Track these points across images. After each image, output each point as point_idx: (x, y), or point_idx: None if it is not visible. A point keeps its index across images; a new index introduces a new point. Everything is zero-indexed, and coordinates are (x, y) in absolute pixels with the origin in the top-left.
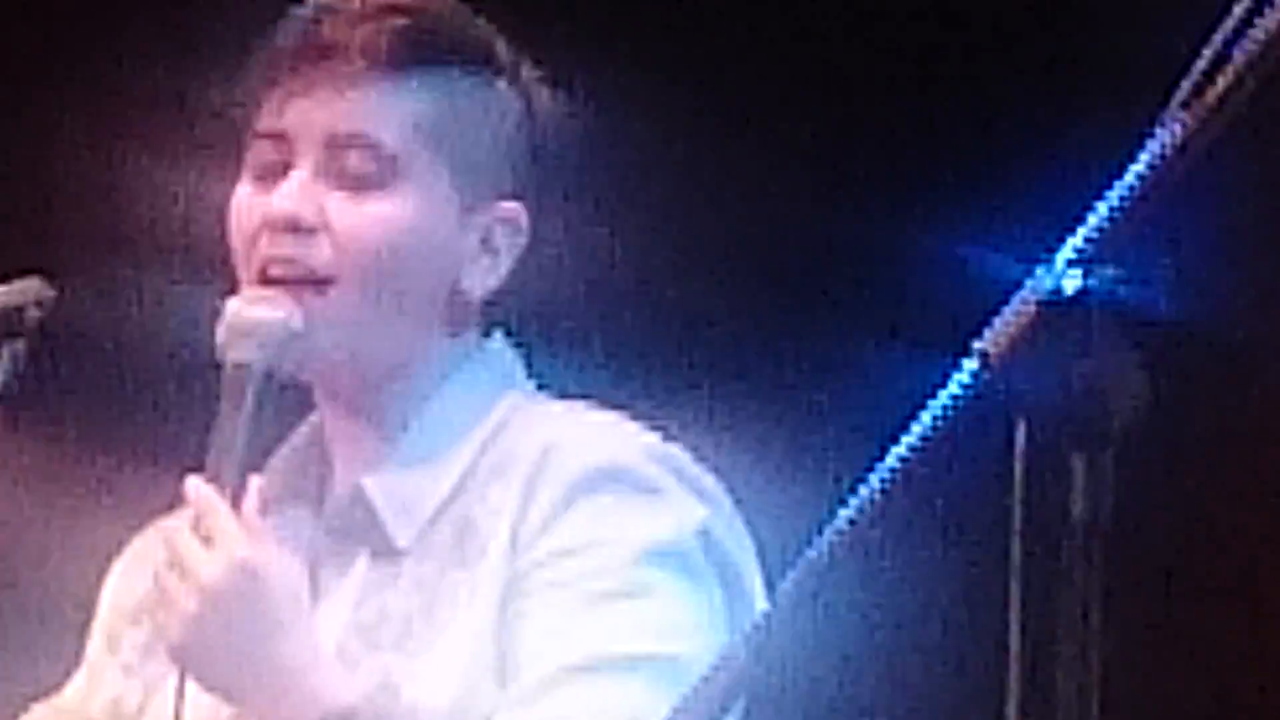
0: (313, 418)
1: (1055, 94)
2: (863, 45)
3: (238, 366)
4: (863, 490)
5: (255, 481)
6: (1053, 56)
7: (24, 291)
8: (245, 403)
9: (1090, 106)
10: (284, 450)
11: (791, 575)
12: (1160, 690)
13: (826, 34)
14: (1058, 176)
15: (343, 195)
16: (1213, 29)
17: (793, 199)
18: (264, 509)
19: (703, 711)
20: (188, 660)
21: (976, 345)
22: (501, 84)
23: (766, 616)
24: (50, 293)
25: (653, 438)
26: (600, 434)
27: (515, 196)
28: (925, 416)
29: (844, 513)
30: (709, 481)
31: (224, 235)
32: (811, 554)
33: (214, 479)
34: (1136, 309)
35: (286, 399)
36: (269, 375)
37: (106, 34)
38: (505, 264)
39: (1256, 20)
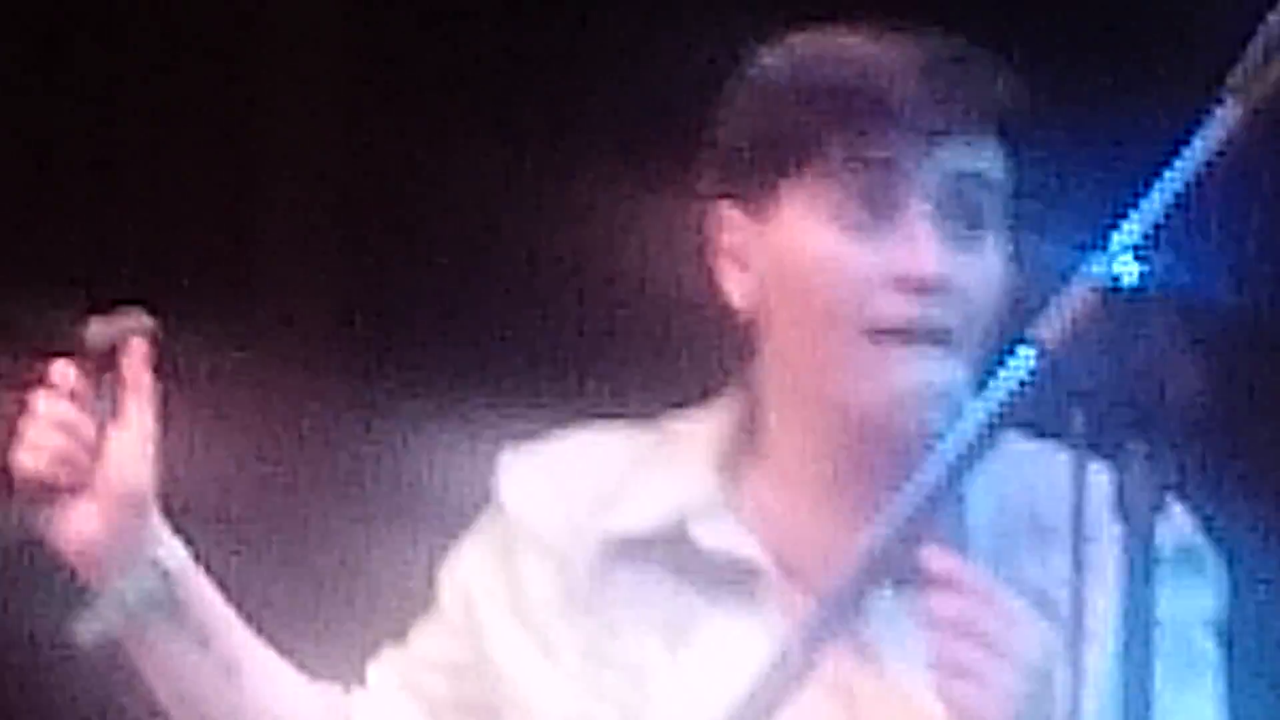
0: None
1: (1109, 81)
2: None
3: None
4: (924, 478)
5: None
6: (1108, 43)
7: (128, 316)
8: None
9: (1145, 92)
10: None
11: (852, 567)
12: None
13: None
14: (1112, 164)
15: (959, 250)
16: (1268, 12)
17: None
18: None
19: None
20: None
21: (1033, 334)
22: None
23: (825, 603)
24: (150, 323)
25: None
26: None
27: None
28: (984, 404)
29: (904, 502)
30: None
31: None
32: (872, 546)
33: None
34: (1194, 298)
35: None
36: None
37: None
38: None
39: None
